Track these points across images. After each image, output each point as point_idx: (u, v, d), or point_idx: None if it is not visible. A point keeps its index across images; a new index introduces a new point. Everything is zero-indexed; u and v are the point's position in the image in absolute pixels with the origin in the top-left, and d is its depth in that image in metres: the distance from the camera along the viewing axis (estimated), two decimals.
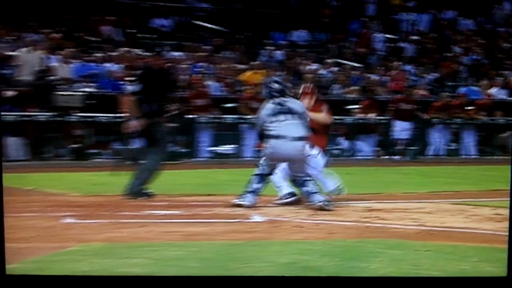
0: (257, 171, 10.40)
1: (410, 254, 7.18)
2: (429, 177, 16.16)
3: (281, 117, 10.40)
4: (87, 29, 23.94)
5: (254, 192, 10.29)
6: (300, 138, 10.39)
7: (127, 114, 11.39)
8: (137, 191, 11.08)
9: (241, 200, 10.24)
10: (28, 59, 19.63)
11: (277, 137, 10.31)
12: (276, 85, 10.72)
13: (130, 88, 11.72)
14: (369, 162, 19.83)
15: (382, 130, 21.64)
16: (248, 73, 22.27)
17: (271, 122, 10.37)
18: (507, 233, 5.95)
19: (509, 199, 6.19)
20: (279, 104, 10.51)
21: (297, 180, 10.32)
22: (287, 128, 10.37)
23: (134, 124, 11.23)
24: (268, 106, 10.51)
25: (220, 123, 19.79)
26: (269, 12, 28.10)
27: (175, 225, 8.89)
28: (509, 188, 6.18)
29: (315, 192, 10.15)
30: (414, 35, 28.37)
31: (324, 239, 8.02)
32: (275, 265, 6.57)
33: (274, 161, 10.40)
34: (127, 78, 19.49)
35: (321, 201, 10.06)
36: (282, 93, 10.60)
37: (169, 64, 12.59)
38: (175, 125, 11.51)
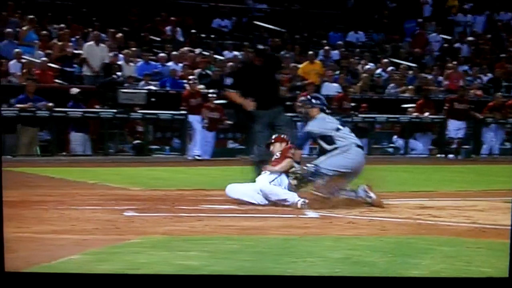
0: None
1: (462, 251, 7.06)
2: (482, 175, 15.92)
3: (346, 128, 10.35)
4: (151, 29, 24.17)
5: None
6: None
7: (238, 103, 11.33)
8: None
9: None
10: (94, 52, 19.88)
11: (358, 146, 10.21)
12: (323, 100, 10.68)
13: (227, 81, 11.77)
14: (422, 161, 19.64)
15: (436, 129, 21.45)
16: (304, 64, 22.28)
17: (344, 132, 10.24)
18: (509, 235, 5.82)
19: (511, 199, 6.05)
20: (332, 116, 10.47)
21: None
22: (356, 140, 10.32)
23: (250, 103, 11.08)
24: (328, 117, 10.36)
25: None
26: (326, 12, 28.06)
27: (230, 219, 8.88)
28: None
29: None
30: (469, 36, 28.02)
31: (377, 235, 7.93)
32: (328, 260, 6.51)
33: (350, 169, 10.14)
34: (190, 76, 19.69)
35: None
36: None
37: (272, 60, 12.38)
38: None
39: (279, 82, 11.56)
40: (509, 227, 6.43)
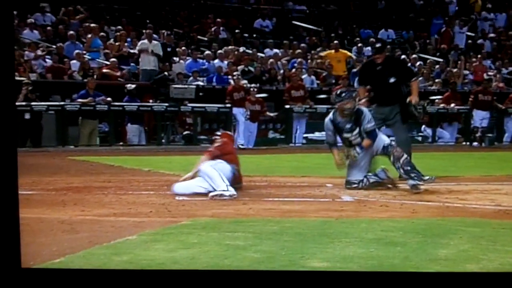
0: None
1: (488, 231, 6.96)
2: (505, 161, 15.71)
3: None
4: (198, 29, 24.21)
5: None
6: None
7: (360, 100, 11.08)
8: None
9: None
10: (147, 48, 20.00)
11: None
12: None
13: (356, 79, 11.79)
14: (449, 148, 19.44)
15: (462, 119, 21.25)
16: (329, 51, 22.53)
17: None
18: None
19: None
20: None
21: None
22: None
23: (363, 101, 10.98)
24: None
25: (313, 113, 19.71)
26: (359, 12, 27.89)
27: (272, 203, 8.85)
28: None
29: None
30: (491, 33, 27.66)
31: (408, 217, 7.85)
32: (363, 241, 6.45)
33: None
34: (235, 73, 19.72)
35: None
36: None
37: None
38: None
39: (400, 82, 11.09)
40: None
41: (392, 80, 11.01)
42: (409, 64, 20.33)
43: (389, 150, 9.90)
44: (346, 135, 10.07)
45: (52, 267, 4.96)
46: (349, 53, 23.24)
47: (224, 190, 9.06)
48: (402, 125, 11.14)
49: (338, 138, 10.27)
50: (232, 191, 9.10)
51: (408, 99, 11.05)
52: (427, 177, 9.83)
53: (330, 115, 10.22)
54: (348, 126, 10.03)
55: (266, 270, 4.99)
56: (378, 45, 11.68)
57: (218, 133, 10.51)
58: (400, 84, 11.09)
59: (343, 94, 10.14)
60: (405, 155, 9.92)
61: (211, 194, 9.08)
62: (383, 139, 10.08)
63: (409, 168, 9.80)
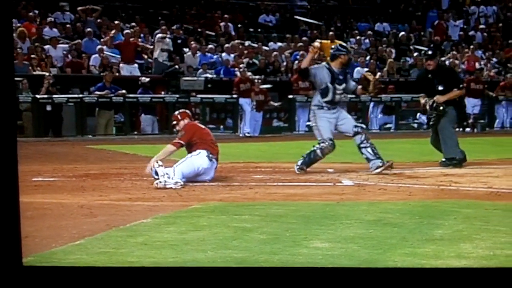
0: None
1: (481, 212, 6.93)
2: (496, 146, 15.66)
3: None
4: (206, 25, 24.14)
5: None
6: None
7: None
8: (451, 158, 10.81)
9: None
10: (162, 42, 19.96)
11: None
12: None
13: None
14: None
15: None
16: (325, 41, 22.36)
17: None
18: None
19: None
20: None
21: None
22: None
23: (422, 101, 11.18)
24: None
25: None
26: (357, 7, 27.84)
27: (277, 187, 8.84)
28: None
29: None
30: (482, 24, 27.56)
31: (405, 200, 7.81)
32: (363, 222, 6.43)
33: None
34: (241, 65, 19.64)
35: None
36: None
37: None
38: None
39: (448, 90, 11.05)
40: None
41: (440, 88, 11.09)
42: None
43: (360, 130, 10.08)
44: (337, 86, 10.23)
45: (54, 265, 4.83)
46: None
47: (168, 177, 8.65)
48: (447, 120, 11.03)
49: None
50: (178, 180, 8.68)
51: (436, 96, 11.03)
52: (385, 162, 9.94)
53: (325, 63, 10.57)
54: (341, 77, 10.27)
55: (252, 267, 4.82)
56: (429, 52, 11.83)
57: (176, 112, 9.92)
58: (448, 91, 11.10)
59: (347, 48, 10.80)
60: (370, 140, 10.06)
61: (154, 184, 8.69)
62: (353, 121, 10.46)
63: (375, 150, 9.92)
